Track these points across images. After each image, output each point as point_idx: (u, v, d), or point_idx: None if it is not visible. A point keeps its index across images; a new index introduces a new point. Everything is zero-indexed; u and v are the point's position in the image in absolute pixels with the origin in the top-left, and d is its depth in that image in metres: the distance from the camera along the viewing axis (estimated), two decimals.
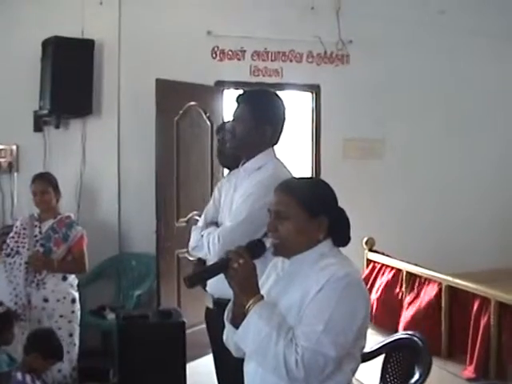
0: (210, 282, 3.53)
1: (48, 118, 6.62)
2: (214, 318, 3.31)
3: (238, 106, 3.68)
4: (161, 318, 5.70)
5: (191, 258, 4.00)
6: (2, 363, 4.47)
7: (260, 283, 2.54)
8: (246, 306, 2.41)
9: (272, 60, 7.53)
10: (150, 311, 5.86)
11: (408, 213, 7.93)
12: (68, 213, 5.47)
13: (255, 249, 2.54)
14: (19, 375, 4.09)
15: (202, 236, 3.65)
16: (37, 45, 6.54)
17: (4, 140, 6.63)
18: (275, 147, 3.74)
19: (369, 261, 6.91)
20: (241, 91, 4.04)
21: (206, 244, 3.53)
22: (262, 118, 3.61)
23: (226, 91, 7.20)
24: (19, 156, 6.70)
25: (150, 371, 5.42)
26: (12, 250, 5.28)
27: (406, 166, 8.02)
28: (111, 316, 6.26)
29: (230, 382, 2.68)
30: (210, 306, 3.69)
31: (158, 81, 6.33)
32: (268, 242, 2.54)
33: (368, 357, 4.10)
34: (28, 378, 4.08)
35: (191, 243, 3.78)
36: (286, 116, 3.75)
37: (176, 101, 6.60)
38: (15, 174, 6.67)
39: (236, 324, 2.48)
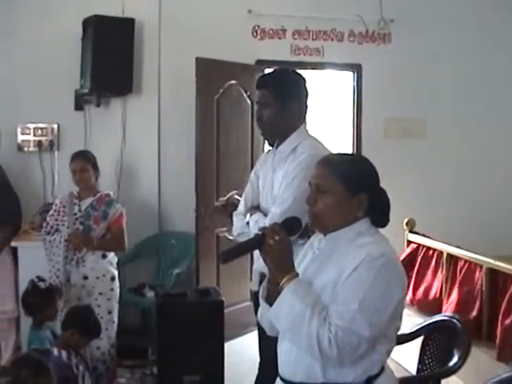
0: (255, 259, 3.55)
1: (89, 96, 6.66)
2: None
3: (259, 92, 3.66)
4: (199, 297, 5.70)
5: (231, 237, 3.98)
6: (44, 340, 4.51)
7: (296, 263, 2.51)
8: (281, 284, 2.39)
9: (313, 39, 7.46)
10: (188, 290, 5.87)
11: (450, 193, 7.81)
12: (107, 191, 5.48)
13: (291, 226, 2.51)
14: (56, 351, 4.12)
15: (248, 223, 3.64)
16: (77, 24, 6.57)
17: (45, 119, 6.70)
18: (307, 126, 3.72)
19: (409, 242, 6.82)
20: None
21: (255, 232, 3.51)
22: (285, 96, 3.59)
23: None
24: (60, 134, 6.77)
25: (188, 350, 5.44)
26: (52, 227, 5.32)
27: (448, 145, 7.89)
28: (150, 294, 6.30)
29: (273, 367, 2.65)
30: (255, 288, 3.67)
31: (198, 59, 6.32)
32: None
33: (406, 338, 4.08)
34: (64, 354, 4.10)
35: (235, 230, 3.78)
36: (308, 91, 3.71)
37: (216, 79, 6.59)
38: (56, 152, 6.74)
39: (270, 301, 2.45)
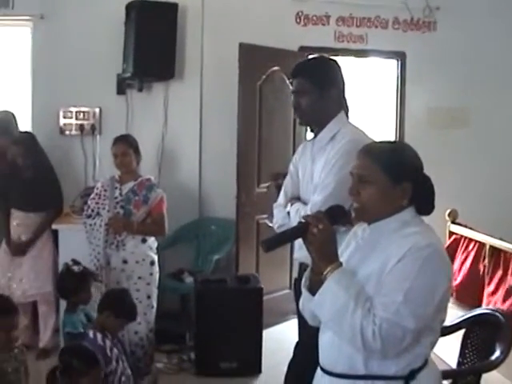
0: (297, 249, 3.51)
1: (131, 81, 6.66)
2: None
3: (295, 81, 3.61)
4: (239, 283, 5.72)
5: (271, 225, 3.95)
6: (77, 323, 4.52)
7: (339, 252, 2.46)
8: (324, 273, 2.35)
9: (357, 26, 7.36)
10: (228, 276, 5.89)
11: (494, 184, 7.67)
12: (149, 175, 5.47)
13: (335, 214, 2.47)
14: (91, 333, 4.13)
15: (289, 213, 3.60)
16: (121, 8, 6.56)
17: (87, 103, 6.72)
18: (348, 114, 3.67)
19: (451, 233, 6.74)
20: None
21: (297, 221, 3.47)
22: (323, 83, 3.54)
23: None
24: (102, 118, 6.80)
25: (225, 336, 5.46)
26: (93, 211, 5.34)
27: (492, 135, 7.73)
28: (189, 280, 6.29)
29: (311, 357, 2.62)
30: (296, 276, 3.64)
31: (241, 45, 6.28)
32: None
33: (447, 331, 4.02)
34: (99, 336, 4.10)
35: (275, 221, 3.75)
36: (344, 78, 3.65)
37: (259, 66, 6.55)
38: (98, 136, 6.76)
39: (313, 291, 2.42)
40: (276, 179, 4.09)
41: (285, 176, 3.90)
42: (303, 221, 2.43)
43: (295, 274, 3.65)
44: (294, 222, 3.36)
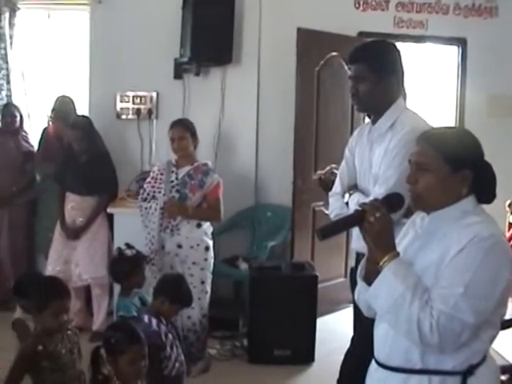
0: (354, 239, 3.44)
1: (188, 65, 6.64)
2: None
3: (353, 66, 3.52)
4: (293, 271, 5.68)
5: (327, 212, 3.88)
6: (131, 307, 4.53)
7: (397, 241, 2.39)
8: (381, 263, 2.27)
9: (417, 11, 7.19)
10: (282, 263, 5.84)
11: None
12: (205, 160, 5.45)
13: (393, 202, 2.39)
14: (146, 318, 4.11)
15: (347, 204, 3.53)
16: None
17: (145, 87, 6.75)
18: (406, 100, 3.58)
19: (510, 224, 6.59)
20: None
21: None
22: (383, 69, 3.45)
23: None
24: (159, 103, 6.81)
25: (279, 323, 5.42)
26: (148, 194, 5.33)
27: None
28: (244, 266, 6.27)
29: (366, 348, 2.56)
30: (352, 265, 3.57)
31: (299, 30, 6.20)
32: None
33: (507, 324, 3.91)
34: (154, 321, 4.08)
35: (332, 210, 3.68)
36: (404, 64, 3.55)
37: (317, 51, 6.47)
38: (154, 120, 6.78)
39: (369, 281, 2.35)
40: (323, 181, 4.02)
41: (333, 180, 3.83)
42: (360, 209, 2.36)
43: (351, 263, 3.58)
44: None
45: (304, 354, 5.52)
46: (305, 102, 6.37)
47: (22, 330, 4.24)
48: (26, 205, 6.72)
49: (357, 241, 3.34)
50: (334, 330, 5.94)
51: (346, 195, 3.59)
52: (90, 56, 6.83)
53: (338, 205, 3.64)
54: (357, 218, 2.35)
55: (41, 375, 3.63)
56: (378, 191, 3.31)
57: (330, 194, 3.75)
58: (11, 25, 6.87)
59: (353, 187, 3.63)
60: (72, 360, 3.78)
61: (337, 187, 3.72)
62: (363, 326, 2.78)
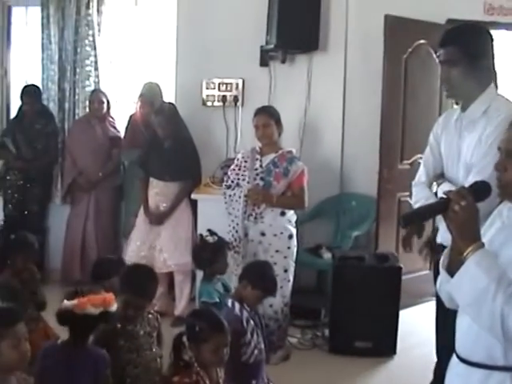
0: (442, 232, 3.34)
1: (274, 52, 6.60)
2: None
3: (444, 50, 3.39)
4: (377, 262, 5.60)
5: (411, 202, 3.79)
6: (213, 293, 4.56)
7: (482, 231, 2.28)
8: (464, 253, 2.17)
9: None
10: (366, 253, 5.76)
11: None
12: (290, 148, 5.42)
13: (480, 191, 2.28)
14: (229, 302, 4.13)
15: (436, 194, 3.43)
16: None
17: (231, 74, 6.74)
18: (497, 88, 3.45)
19: None
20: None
21: None
22: (475, 53, 3.33)
23: None
24: (245, 90, 6.79)
25: (361, 315, 5.37)
26: (232, 182, 5.35)
27: None
28: (327, 255, 6.20)
29: (448, 342, 2.48)
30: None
31: (387, 17, 6.07)
32: None
33: None
34: (237, 306, 4.08)
35: (416, 201, 3.61)
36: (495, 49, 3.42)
37: (405, 38, 6.32)
38: (240, 107, 6.77)
39: (451, 272, 2.26)
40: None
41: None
42: (444, 196, 2.27)
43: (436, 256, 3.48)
44: None
45: (385, 346, 5.43)
46: (392, 90, 6.24)
47: None
48: (112, 190, 6.86)
49: (444, 234, 3.24)
50: (417, 323, 5.84)
51: (434, 185, 3.50)
52: (177, 43, 6.89)
53: (423, 195, 3.54)
54: (441, 206, 2.25)
55: (117, 353, 3.69)
56: (471, 181, 3.21)
57: (414, 183, 3.66)
58: (99, 12, 6.98)
59: (439, 176, 3.52)
60: (149, 343, 3.85)
61: (421, 176, 3.62)
62: (446, 320, 2.69)
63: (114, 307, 3.63)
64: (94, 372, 3.35)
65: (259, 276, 4.25)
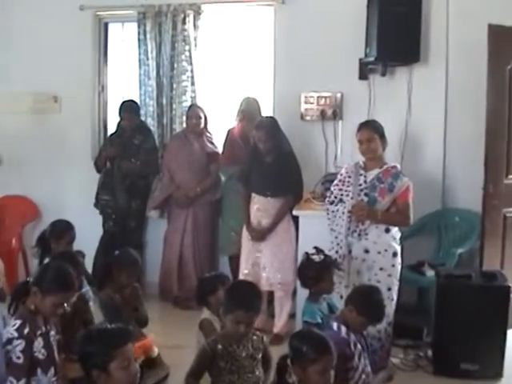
0: None
1: (374, 65, 6.54)
2: None
3: None
4: (484, 280, 5.42)
5: None
6: (316, 314, 4.48)
7: None
8: None
9: None
10: (471, 271, 5.58)
11: None
12: (394, 163, 5.31)
13: None
14: (335, 325, 4.02)
15: None
16: None
17: (329, 88, 6.71)
18: None
19: None
20: None
21: None
22: None
23: None
24: (343, 104, 6.75)
25: (466, 335, 5.21)
26: (335, 197, 5.25)
27: None
28: (430, 273, 6.05)
29: None
30: None
31: (490, 27, 5.88)
32: None
33: None
34: (343, 329, 3.98)
35: None
36: None
37: (509, 48, 6.12)
38: (339, 121, 6.72)
39: None
40: None
41: None
42: None
43: None
44: None
45: (492, 368, 5.24)
46: (497, 102, 6.03)
47: (208, 330, 4.29)
48: (210, 205, 6.87)
49: None
50: None
51: None
52: (275, 56, 6.89)
53: None
54: None
55: (218, 375, 3.69)
56: None
57: None
58: (195, 27, 7.01)
59: None
60: (252, 365, 3.79)
61: None
62: None
63: (155, 352, 3.60)
64: None
65: (366, 303, 4.11)
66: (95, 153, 7.30)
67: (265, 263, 5.97)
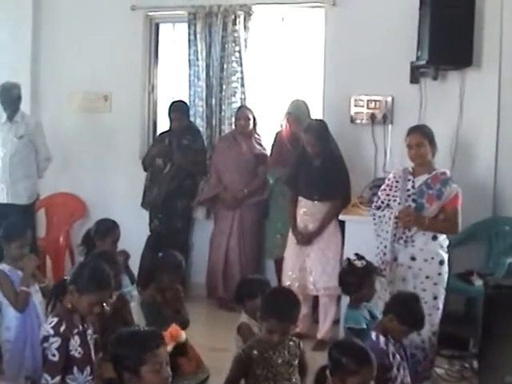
0: None
1: (425, 69, 6.45)
2: None
3: None
4: None
5: None
6: (360, 320, 4.42)
7: None
8: None
9: None
10: None
11: None
12: (443, 169, 5.21)
13: None
14: (373, 335, 3.97)
15: None
16: None
17: (380, 91, 6.65)
18: None
19: None
20: None
21: None
22: None
23: None
24: (394, 108, 6.67)
25: None
26: (382, 203, 5.18)
27: None
28: (478, 282, 5.90)
29: None
30: None
31: None
32: None
33: None
34: (382, 339, 3.92)
35: None
36: None
37: None
38: (389, 126, 6.65)
39: None
40: None
41: None
42: None
43: None
44: None
45: None
46: None
47: (246, 335, 4.26)
48: (256, 207, 6.85)
49: None
50: None
51: None
52: (325, 59, 6.85)
53: None
54: None
55: (255, 382, 3.64)
56: None
57: None
58: (246, 28, 7.02)
59: None
60: (288, 372, 3.73)
61: None
62: None
63: (183, 337, 3.56)
64: None
65: (406, 311, 4.05)
66: (143, 152, 7.34)
67: (311, 267, 5.93)
